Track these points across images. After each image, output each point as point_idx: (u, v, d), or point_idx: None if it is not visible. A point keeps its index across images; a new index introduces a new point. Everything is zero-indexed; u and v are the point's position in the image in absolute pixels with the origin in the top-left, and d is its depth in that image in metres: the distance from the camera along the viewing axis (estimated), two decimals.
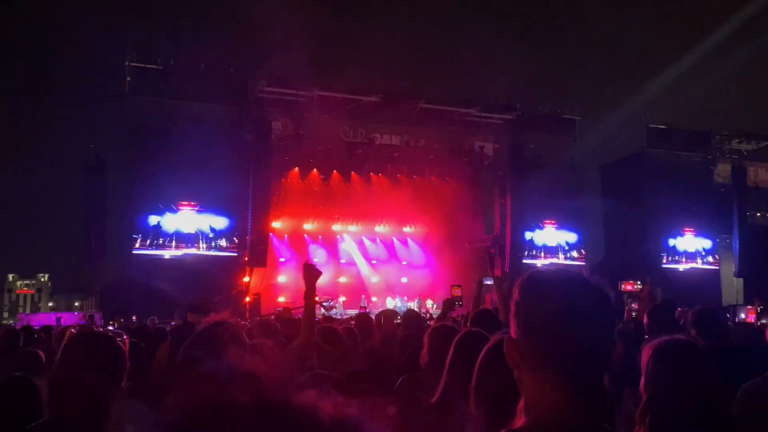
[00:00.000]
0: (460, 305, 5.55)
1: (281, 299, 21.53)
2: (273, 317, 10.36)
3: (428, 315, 17.92)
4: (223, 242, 21.63)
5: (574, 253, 26.77)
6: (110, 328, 9.35)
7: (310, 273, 3.93)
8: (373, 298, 24.86)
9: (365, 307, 20.93)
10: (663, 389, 2.22)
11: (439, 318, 5.33)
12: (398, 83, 21.41)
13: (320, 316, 16.50)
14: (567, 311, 1.25)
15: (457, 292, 5.73)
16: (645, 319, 4.84)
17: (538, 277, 1.35)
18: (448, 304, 5.60)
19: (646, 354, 2.31)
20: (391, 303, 23.67)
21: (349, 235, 27.33)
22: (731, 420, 2.23)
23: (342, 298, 23.76)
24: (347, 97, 22.99)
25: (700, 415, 2.14)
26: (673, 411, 2.17)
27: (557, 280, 1.33)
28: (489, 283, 5.86)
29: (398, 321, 5.81)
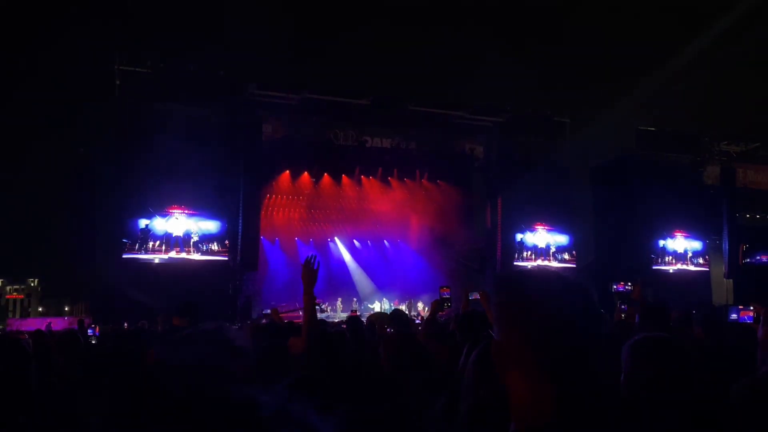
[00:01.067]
0: (449, 306, 5.52)
1: (272, 302, 21.47)
2: (264, 321, 10.29)
3: (420, 317, 17.92)
4: (214, 246, 21.52)
5: (566, 255, 26.83)
6: (90, 332, 9.26)
7: (307, 274, 4.02)
8: (365, 301, 24.89)
9: (356, 311, 20.93)
10: (638, 383, 2.25)
11: (428, 320, 5.32)
12: (388, 86, 21.39)
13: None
14: (555, 311, 1.22)
15: (446, 293, 5.68)
16: (636, 320, 4.85)
17: (521, 278, 1.32)
18: (436, 306, 5.59)
19: (624, 352, 2.34)
20: (381, 306, 23.70)
21: (339, 238, 27.32)
22: (710, 413, 2.24)
23: (338, 301, 23.82)
24: (337, 100, 22.98)
25: (673, 407, 2.16)
26: (648, 404, 2.19)
27: (541, 279, 1.30)
28: (473, 298, 5.81)
29: (389, 330, 5.80)
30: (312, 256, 4.15)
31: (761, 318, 2.65)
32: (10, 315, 23.88)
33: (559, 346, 1.21)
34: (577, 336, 1.22)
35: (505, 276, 1.32)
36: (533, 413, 1.21)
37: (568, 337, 1.21)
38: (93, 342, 7.64)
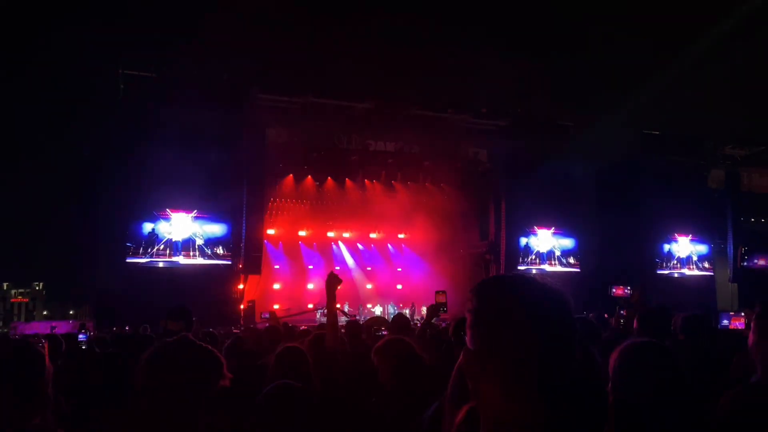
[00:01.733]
0: (445, 311, 5.45)
1: (276, 306, 21.47)
2: (267, 324, 10.27)
3: (422, 322, 17.87)
4: (219, 250, 21.55)
5: (571, 259, 26.77)
6: (81, 337, 9.23)
7: (331, 282, 4.29)
8: (368, 305, 24.85)
9: (355, 315, 20.91)
10: (626, 387, 2.23)
11: (424, 325, 5.29)
12: (391, 90, 21.33)
13: (309, 324, 16.50)
14: (530, 318, 1.20)
15: (442, 298, 5.63)
16: (635, 325, 4.80)
17: (497, 284, 1.30)
18: (432, 311, 5.54)
19: (612, 357, 2.32)
20: (386, 309, 23.65)
21: (343, 241, 27.31)
22: (696, 417, 2.23)
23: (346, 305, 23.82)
24: (340, 104, 22.94)
25: (660, 411, 2.15)
26: (636, 408, 2.18)
27: (518, 285, 1.27)
28: None
29: (382, 332, 5.78)
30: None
31: (751, 325, 2.63)
32: (15, 318, 23.96)
33: (533, 355, 1.18)
34: (549, 344, 1.20)
35: (480, 282, 1.31)
36: (502, 423, 1.19)
37: (538, 345, 1.19)
38: (83, 347, 7.61)
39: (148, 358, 2.21)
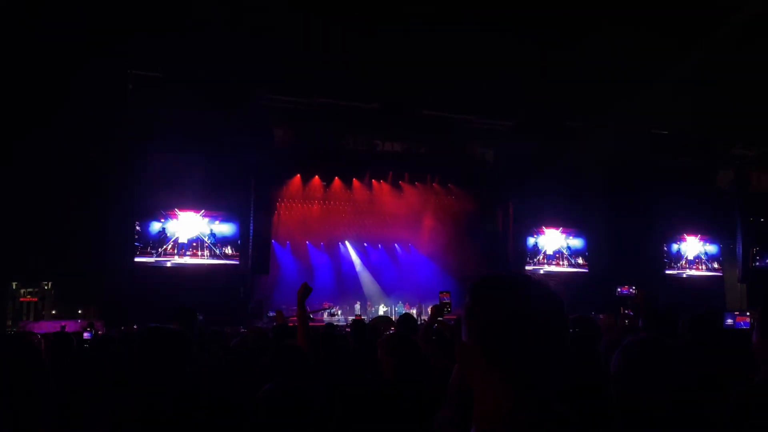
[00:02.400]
0: (449, 311, 5.45)
1: (283, 306, 21.53)
2: (274, 323, 10.32)
3: None
4: (228, 249, 21.65)
5: (579, 260, 26.70)
6: (86, 335, 9.26)
7: (302, 291, 4.76)
8: (375, 305, 24.89)
9: (359, 314, 20.98)
10: (627, 384, 2.23)
11: (427, 326, 5.30)
12: (399, 90, 21.33)
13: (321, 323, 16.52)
14: (521, 315, 1.22)
15: (446, 297, 5.65)
16: (640, 325, 4.80)
17: (491, 281, 1.33)
18: (436, 311, 5.55)
19: (615, 355, 2.33)
20: (393, 309, 23.68)
21: (350, 241, 27.33)
22: (697, 416, 2.23)
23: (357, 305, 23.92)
24: (348, 104, 22.94)
25: (661, 408, 2.15)
26: (637, 403, 2.18)
27: (510, 284, 1.30)
28: None
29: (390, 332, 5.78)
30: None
31: (755, 323, 2.62)
32: (24, 318, 24.08)
33: (523, 352, 1.20)
34: (543, 342, 1.22)
35: (475, 280, 1.33)
36: (494, 414, 1.21)
37: (533, 343, 1.21)
38: (86, 345, 7.65)
39: (129, 352, 2.30)
